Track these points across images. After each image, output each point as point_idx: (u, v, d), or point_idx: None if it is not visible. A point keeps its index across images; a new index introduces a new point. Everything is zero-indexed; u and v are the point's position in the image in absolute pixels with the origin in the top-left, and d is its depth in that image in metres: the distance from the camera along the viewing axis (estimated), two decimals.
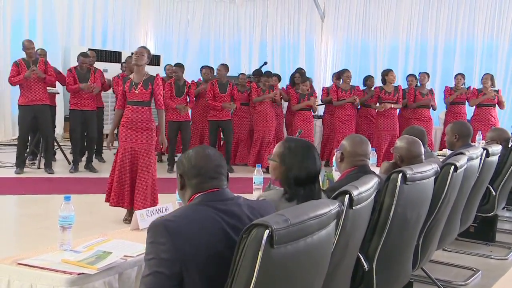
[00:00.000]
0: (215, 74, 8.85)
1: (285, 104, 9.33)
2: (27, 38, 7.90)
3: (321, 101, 9.55)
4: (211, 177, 2.01)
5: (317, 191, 2.43)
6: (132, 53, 5.42)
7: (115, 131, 5.63)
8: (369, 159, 3.05)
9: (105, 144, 9.25)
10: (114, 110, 9.19)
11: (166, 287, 1.80)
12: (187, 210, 1.96)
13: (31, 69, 7.19)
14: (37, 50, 7.77)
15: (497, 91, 8.58)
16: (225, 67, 8.50)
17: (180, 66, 8.40)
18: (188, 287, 1.81)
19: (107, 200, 5.36)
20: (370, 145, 3.07)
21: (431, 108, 8.80)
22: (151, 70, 5.71)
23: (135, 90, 5.18)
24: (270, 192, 2.53)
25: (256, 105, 8.60)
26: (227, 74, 8.60)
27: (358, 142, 3.01)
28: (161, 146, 6.17)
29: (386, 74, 8.69)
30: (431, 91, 8.82)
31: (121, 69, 8.93)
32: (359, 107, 9.03)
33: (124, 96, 5.27)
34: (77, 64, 7.83)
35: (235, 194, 2.07)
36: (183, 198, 2.10)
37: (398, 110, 8.79)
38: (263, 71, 9.33)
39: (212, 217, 1.91)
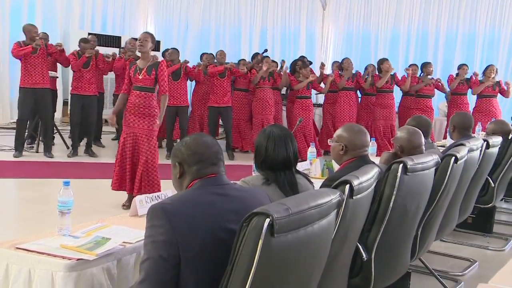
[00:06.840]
0: (215, 61, 8.82)
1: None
2: (27, 22, 7.81)
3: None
4: (211, 163, 2.03)
5: (292, 176, 2.61)
6: (134, 39, 5.38)
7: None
8: (368, 149, 3.02)
9: (104, 129, 9.27)
10: (113, 94, 9.23)
11: (164, 270, 1.79)
12: (186, 194, 1.98)
13: (37, 43, 7.12)
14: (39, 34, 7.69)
15: (498, 82, 8.56)
16: (224, 53, 8.54)
17: (175, 51, 8.45)
18: (186, 270, 1.81)
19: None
20: (368, 135, 3.04)
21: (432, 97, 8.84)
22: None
23: (139, 75, 5.17)
24: (252, 177, 2.68)
25: (256, 91, 8.57)
26: (226, 61, 8.58)
27: (357, 132, 2.96)
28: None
29: (382, 63, 8.75)
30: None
31: (119, 54, 8.86)
32: (360, 96, 9.02)
33: (130, 81, 5.26)
34: (78, 49, 7.78)
35: (232, 181, 2.09)
36: (180, 187, 2.08)
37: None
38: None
39: (211, 200, 1.92)
